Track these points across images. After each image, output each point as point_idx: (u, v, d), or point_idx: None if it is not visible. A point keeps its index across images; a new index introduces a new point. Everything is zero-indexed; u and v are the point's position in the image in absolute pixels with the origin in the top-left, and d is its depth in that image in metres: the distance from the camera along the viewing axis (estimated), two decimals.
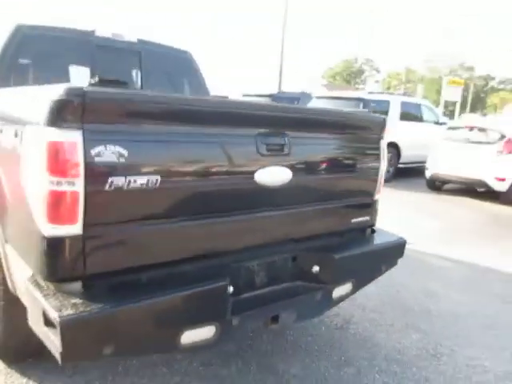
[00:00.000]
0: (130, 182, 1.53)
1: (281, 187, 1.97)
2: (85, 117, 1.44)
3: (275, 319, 1.99)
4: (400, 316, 3.13)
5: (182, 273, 1.73)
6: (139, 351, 1.80)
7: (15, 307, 1.84)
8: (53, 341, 1.40)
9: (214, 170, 1.77)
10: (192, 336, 1.70)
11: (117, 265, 1.59)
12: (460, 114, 25.42)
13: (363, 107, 8.49)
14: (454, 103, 25.57)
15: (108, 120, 1.50)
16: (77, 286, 1.53)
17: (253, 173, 1.87)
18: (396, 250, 2.48)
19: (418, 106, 10.37)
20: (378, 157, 2.45)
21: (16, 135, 1.65)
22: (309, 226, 2.22)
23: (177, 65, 3.71)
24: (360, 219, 2.46)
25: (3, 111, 1.90)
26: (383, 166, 2.50)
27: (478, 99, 56.54)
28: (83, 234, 1.49)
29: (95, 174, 1.47)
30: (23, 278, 1.64)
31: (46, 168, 1.44)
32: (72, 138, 1.43)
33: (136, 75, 3.49)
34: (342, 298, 2.31)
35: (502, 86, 74.35)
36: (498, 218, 6.77)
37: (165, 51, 3.63)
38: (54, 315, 1.36)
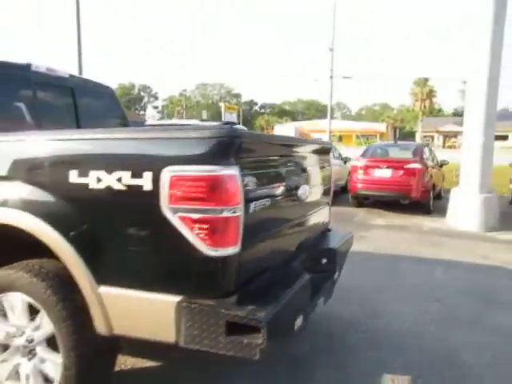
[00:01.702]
0: (259, 204, 1.89)
1: (306, 199, 2.56)
2: (239, 154, 1.75)
3: (315, 305, 2.53)
4: None
5: (283, 272, 2.14)
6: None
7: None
8: (248, 343, 1.65)
9: (291, 188, 2.28)
10: (298, 322, 2.10)
11: (252, 273, 1.90)
12: None
13: None
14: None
15: (248, 155, 1.83)
16: (234, 297, 1.78)
17: (297, 189, 2.42)
18: (350, 241, 3.32)
19: None
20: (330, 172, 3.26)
21: (153, 176, 1.75)
22: (316, 227, 2.87)
23: (103, 100, 3.70)
24: (327, 220, 3.23)
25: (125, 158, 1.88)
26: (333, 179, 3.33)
27: (246, 121, 64.85)
28: (240, 253, 1.77)
29: (246, 200, 1.78)
30: (165, 304, 1.76)
31: (213, 198, 1.68)
32: (233, 172, 1.71)
33: (72, 111, 3.36)
34: (336, 282, 2.99)
35: (262, 110, 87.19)
36: None
37: (92, 87, 3.59)
38: (256, 317, 1.63)
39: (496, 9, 7.23)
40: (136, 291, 1.85)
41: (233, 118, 26.94)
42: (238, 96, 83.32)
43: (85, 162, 1.91)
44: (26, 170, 2.05)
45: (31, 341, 2.11)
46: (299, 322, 2.12)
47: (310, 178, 2.67)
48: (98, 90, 3.66)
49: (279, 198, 2.16)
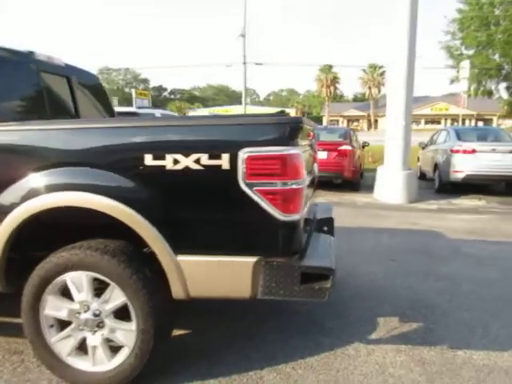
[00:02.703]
0: (306, 179, 2.30)
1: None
2: (299, 136, 2.13)
3: None
4: None
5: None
6: None
7: None
8: (319, 288, 2.07)
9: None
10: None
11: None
12: None
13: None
14: None
15: (301, 138, 2.21)
16: (298, 255, 2.17)
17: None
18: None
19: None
20: None
21: (230, 158, 2.05)
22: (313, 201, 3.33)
23: (93, 89, 3.74)
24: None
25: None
26: None
27: (156, 107, 62.73)
28: (300, 219, 2.16)
29: (304, 175, 2.17)
30: (243, 265, 2.11)
31: (283, 174, 2.04)
32: (298, 151, 2.09)
33: (70, 101, 3.39)
34: None
35: (172, 96, 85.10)
36: None
37: (83, 76, 3.62)
38: (328, 267, 2.06)
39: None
40: (214, 257, 2.15)
41: (144, 103, 26.25)
42: (145, 81, 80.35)
43: (163, 147, 2.14)
44: (101, 156, 2.21)
45: (98, 314, 2.30)
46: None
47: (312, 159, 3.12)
48: (88, 79, 3.71)
49: (308, 174, 2.58)
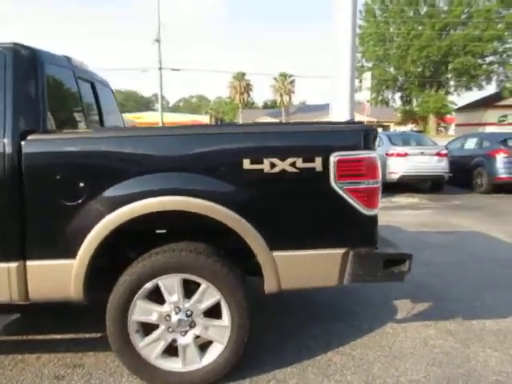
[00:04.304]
0: None
1: None
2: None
3: None
4: None
5: None
6: None
7: None
8: (399, 271, 2.39)
9: None
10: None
11: None
12: None
13: None
14: None
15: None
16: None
17: None
18: None
19: None
20: None
21: (322, 161, 2.29)
22: None
23: (108, 95, 3.68)
24: None
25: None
26: None
27: None
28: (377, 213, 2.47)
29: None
30: (332, 256, 2.37)
31: (367, 174, 2.34)
32: (375, 154, 2.41)
33: (95, 107, 3.32)
34: None
35: None
36: None
37: (101, 81, 3.55)
38: (406, 253, 2.40)
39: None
40: (306, 251, 2.38)
41: None
42: None
43: (260, 152, 2.31)
44: (199, 161, 2.32)
45: (190, 315, 2.38)
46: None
47: None
48: (105, 86, 3.65)
49: None
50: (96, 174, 2.30)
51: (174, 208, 2.24)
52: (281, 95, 54.84)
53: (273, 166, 2.29)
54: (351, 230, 2.41)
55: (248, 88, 56.67)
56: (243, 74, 55.29)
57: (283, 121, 55.74)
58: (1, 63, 2.33)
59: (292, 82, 53.56)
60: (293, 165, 2.30)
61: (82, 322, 3.19)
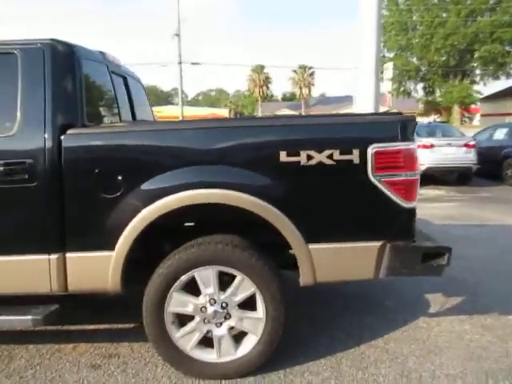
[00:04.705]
0: None
1: None
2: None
3: None
4: None
5: None
6: None
7: None
8: (437, 265, 2.36)
9: None
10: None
11: None
12: None
13: None
14: None
15: None
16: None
17: None
18: None
19: None
20: None
21: (360, 153, 2.26)
22: None
23: (139, 89, 3.71)
24: None
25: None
26: None
27: None
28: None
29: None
30: (369, 249, 2.35)
31: (406, 166, 2.30)
32: (414, 146, 2.36)
33: (127, 101, 3.36)
34: None
35: None
36: None
37: (132, 75, 3.58)
38: (445, 246, 2.37)
39: None
40: (342, 244, 2.36)
41: None
42: None
43: (297, 144, 2.30)
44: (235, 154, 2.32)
45: (225, 306, 2.40)
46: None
47: None
48: (136, 80, 3.68)
49: None
50: (134, 167, 2.32)
51: (213, 201, 2.25)
52: (300, 87, 54.42)
53: (310, 158, 2.28)
54: (388, 222, 2.38)
55: (267, 81, 56.41)
56: (262, 67, 55.03)
57: (303, 113, 55.51)
58: (40, 59, 2.38)
59: (312, 74, 53.05)
60: (330, 157, 2.28)
61: (115, 313, 3.26)
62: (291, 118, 2.73)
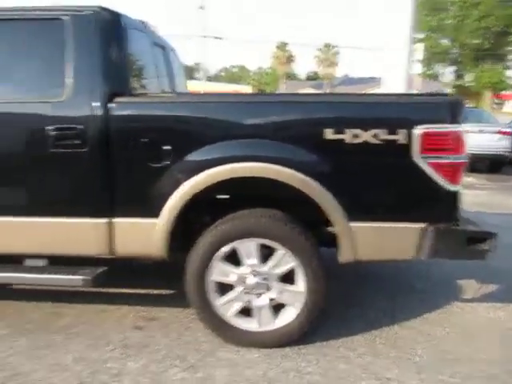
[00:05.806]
0: None
1: None
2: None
3: None
4: None
5: None
6: None
7: None
8: (482, 249, 2.33)
9: None
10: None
11: None
12: None
13: None
14: None
15: None
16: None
17: None
18: None
19: None
20: None
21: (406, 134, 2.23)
22: None
23: (176, 60, 3.70)
24: None
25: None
26: None
27: None
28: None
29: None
30: (412, 230, 2.33)
31: (454, 149, 2.25)
32: (461, 128, 2.30)
33: (166, 73, 3.35)
34: None
35: None
36: None
37: (169, 46, 3.56)
38: (491, 232, 2.34)
39: None
40: (383, 223, 2.35)
41: None
42: None
43: (343, 122, 2.27)
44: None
45: (265, 278, 2.43)
46: None
47: None
48: (173, 51, 3.66)
49: None
50: (181, 137, 2.34)
51: (257, 175, 2.26)
52: (324, 67, 53.42)
53: (355, 136, 2.25)
54: (432, 204, 2.35)
55: (290, 59, 55.49)
56: (286, 44, 54.08)
57: (327, 92, 54.54)
58: (88, 26, 2.38)
59: (336, 54, 51.93)
60: (375, 136, 2.25)
61: (155, 279, 3.35)
62: (338, 95, 2.69)
